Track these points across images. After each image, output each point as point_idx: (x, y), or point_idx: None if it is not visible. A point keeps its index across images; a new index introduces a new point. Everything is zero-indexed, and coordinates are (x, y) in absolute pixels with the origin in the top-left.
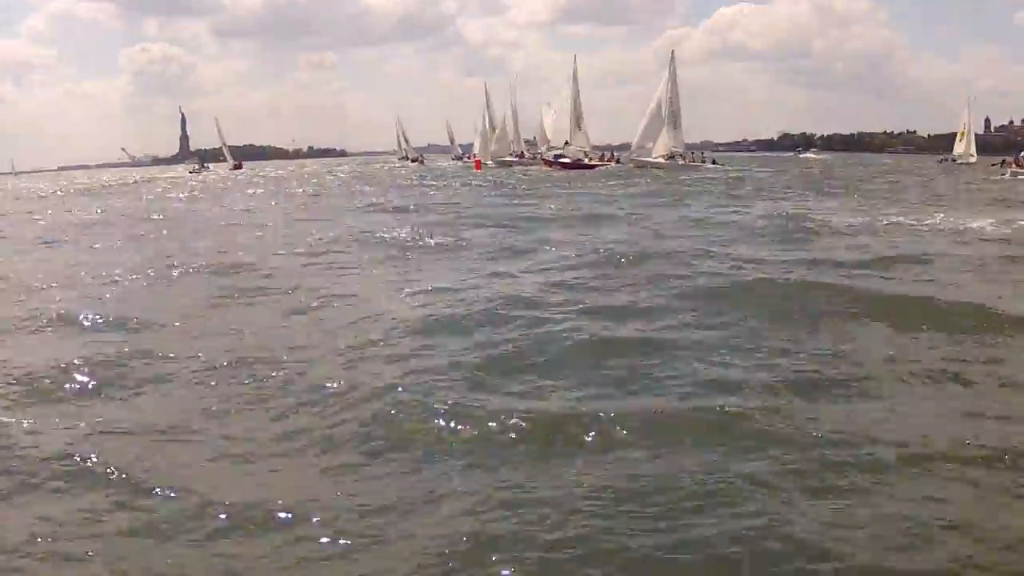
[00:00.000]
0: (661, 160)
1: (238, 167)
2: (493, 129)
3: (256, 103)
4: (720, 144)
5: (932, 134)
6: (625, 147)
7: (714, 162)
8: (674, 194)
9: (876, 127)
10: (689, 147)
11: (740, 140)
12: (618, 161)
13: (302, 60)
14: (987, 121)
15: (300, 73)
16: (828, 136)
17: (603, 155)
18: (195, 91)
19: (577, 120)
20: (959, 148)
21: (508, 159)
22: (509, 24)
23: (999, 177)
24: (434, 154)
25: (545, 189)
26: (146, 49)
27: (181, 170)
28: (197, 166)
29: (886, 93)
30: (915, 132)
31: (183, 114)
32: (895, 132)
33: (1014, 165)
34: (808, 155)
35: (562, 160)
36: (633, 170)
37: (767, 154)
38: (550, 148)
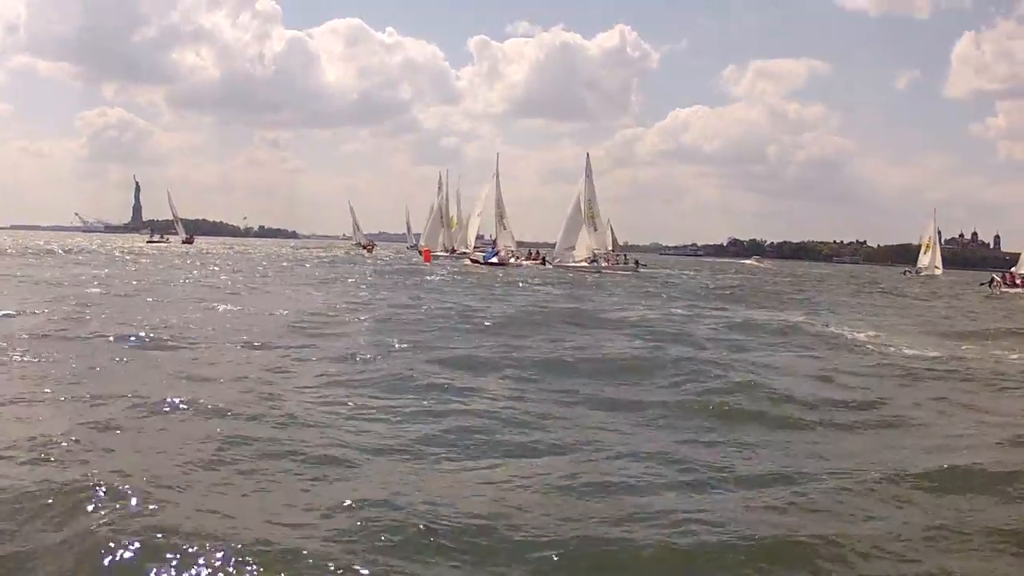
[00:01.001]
0: (584, 264)
1: (189, 241)
2: (441, 220)
3: (209, 176)
4: (669, 247)
5: (882, 244)
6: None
7: (637, 263)
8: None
9: (827, 235)
10: (631, 249)
11: (689, 244)
12: (544, 261)
13: (257, 136)
14: (938, 234)
15: (255, 150)
16: (778, 244)
17: (530, 253)
18: (150, 159)
19: (501, 219)
20: (924, 260)
21: (439, 253)
22: (464, 114)
23: (990, 293)
24: (387, 241)
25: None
26: (104, 113)
27: (136, 239)
28: (157, 237)
29: (837, 200)
30: (865, 242)
31: (137, 183)
32: (845, 241)
33: (1002, 284)
34: (749, 262)
35: (490, 260)
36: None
37: (714, 259)
38: (478, 246)
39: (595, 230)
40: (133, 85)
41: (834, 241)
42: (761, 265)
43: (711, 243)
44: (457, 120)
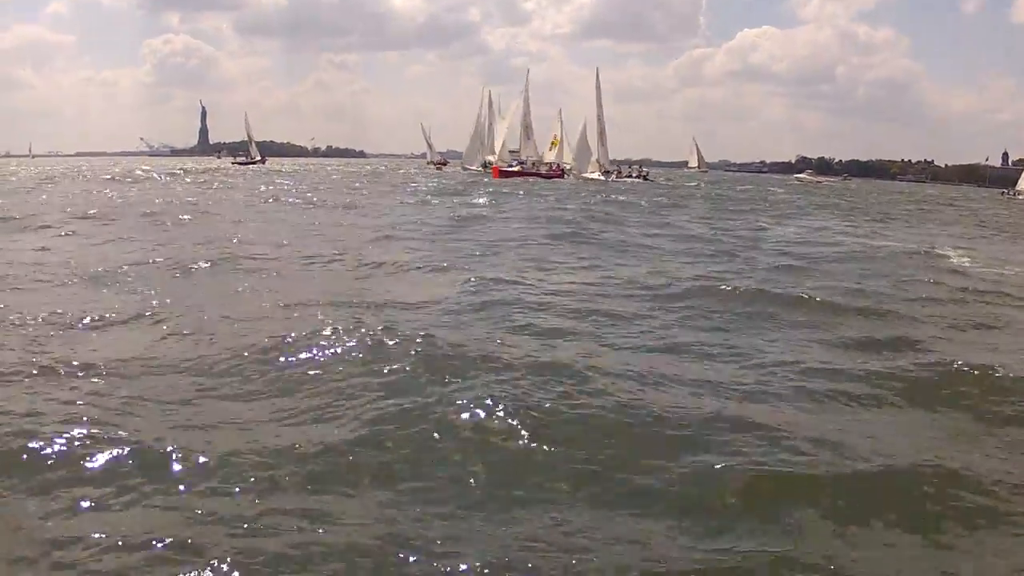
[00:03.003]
0: (597, 175)
1: (262, 162)
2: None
3: (275, 100)
4: (734, 164)
5: (950, 164)
6: (636, 162)
7: (644, 175)
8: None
9: (895, 154)
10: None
11: (758, 161)
12: (563, 173)
13: (323, 60)
14: (1005, 155)
15: (321, 73)
16: (846, 162)
17: (551, 166)
18: (215, 85)
19: (526, 130)
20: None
21: (472, 167)
22: (532, 35)
23: None
24: (456, 159)
25: None
26: (168, 41)
27: (218, 162)
28: (243, 158)
29: (905, 121)
30: (932, 162)
31: (203, 107)
32: (912, 160)
33: None
34: (802, 176)
35: (511, 169)
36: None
37: (781, 176)
38: (510, 157)
39: (601, 145)
40: (197, 12)
41: (902, 160)
42: (813, 180)
43: (780, 160)
44: (525, 41)
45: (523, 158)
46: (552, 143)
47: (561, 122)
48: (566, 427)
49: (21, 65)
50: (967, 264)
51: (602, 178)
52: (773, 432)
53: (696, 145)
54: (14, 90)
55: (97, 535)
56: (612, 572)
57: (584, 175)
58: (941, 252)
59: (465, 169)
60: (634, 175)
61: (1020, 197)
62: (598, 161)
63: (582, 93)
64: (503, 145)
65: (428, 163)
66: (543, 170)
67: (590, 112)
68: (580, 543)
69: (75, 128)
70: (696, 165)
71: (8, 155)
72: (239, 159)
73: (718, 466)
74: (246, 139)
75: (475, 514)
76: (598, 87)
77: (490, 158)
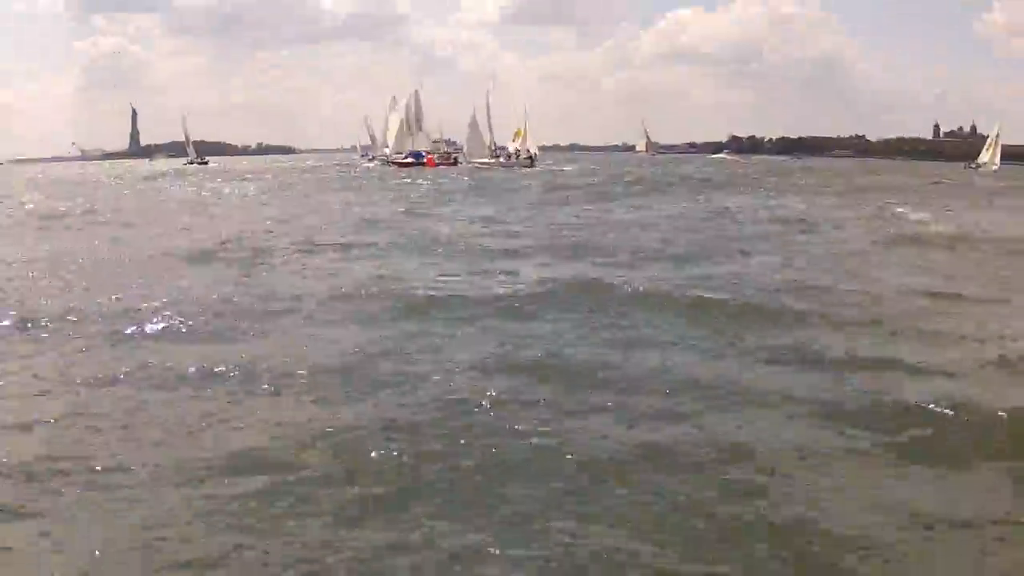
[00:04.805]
0: (489, 161)
1: (204, 162)
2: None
3: (205, 100)
4: (665, 145)
5: (881, 138)
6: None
7: (531, 158)
8: None
9: (829, 131)
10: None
11: (686, 143)
12: (455, 161)
13: (254, 57)
14: (936, 127)
15: (251, 70)
16: (777, 139)
17: (445, 156)
18: (143, 87)
19: (418, 121)
20: (984, 156)
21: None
22: (459, 25)
23: None
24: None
25: None
26: (96, 44)
27: (160, 164)
28: (197, 160)
29: (834, 99)
30: (864, 136)
31: (134, 109)
32: (843, 136)
33: None
34: (718, 156)
35: (404, 160)
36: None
37: (693, 154)
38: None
39: (491, 132)
40: (123, 14)
41: (834, 136)
42: (733, 159)
43: (711, 141)
44: (453, 31)
45: (417, 149)
46: (516, 133)
47: (526, 113)
48: None
49: None
50: None
51: (491, 162)
52: None
53: (645, 129)
54: None
55: None
56: None
57: (475, 161)
58: None
59: (380, 161)
60: (522, 156)
61: (982, 169)
62: (489, 147)
63: (513, 81)
64: (395, 138)
65: (367, 157)
66: (436, 159)
67: (479, 101)
68: None
69: (3, 133)
70: (644, 149)
71: None
72: (192, 160)
73: None
74: (176, 139)
75: None
76: (492, 76)
77: (385, 150)
